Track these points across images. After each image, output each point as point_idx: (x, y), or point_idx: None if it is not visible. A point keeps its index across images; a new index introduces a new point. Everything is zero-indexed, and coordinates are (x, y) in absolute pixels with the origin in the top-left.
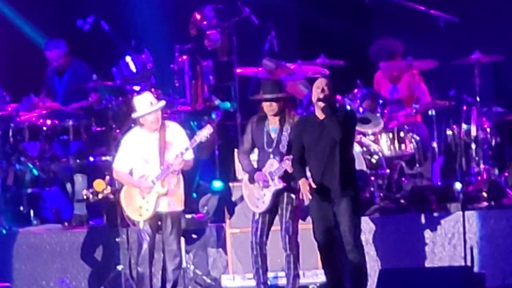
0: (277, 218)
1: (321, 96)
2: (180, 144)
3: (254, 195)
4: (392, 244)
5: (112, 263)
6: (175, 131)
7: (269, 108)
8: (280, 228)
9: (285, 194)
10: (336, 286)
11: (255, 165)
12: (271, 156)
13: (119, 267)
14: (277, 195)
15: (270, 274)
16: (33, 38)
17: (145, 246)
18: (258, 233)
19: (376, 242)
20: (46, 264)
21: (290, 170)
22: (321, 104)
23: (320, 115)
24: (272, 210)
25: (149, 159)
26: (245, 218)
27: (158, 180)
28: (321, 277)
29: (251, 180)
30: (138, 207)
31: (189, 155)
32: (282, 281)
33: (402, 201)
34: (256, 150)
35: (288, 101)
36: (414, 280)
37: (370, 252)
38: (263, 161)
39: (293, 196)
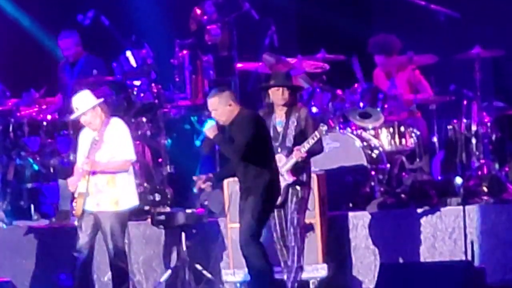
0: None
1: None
2: (113, 143)
3: None
4: (393, 239)
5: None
6: (112, 129)
7: (280, 96)
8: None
9: (290, 186)
10: None
11: None
12: (278, 150)
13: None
14: (287, 189)
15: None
16: (33, 34)
17: (78, 243)
18: (278, 227)
19: (377, 237)
20: (46, 259)
21: (300, 160)
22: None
23: None
24: (286, 204)
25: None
26: None
27: (78, 180)
28: (322, 272)
29: None
30: (72, 205)
31: (123, 156)
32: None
33: (402, 195)
34: None
35: (292, 94)
36: (414, 275)
37: (370, 246)
38: None
39: (298, 188)
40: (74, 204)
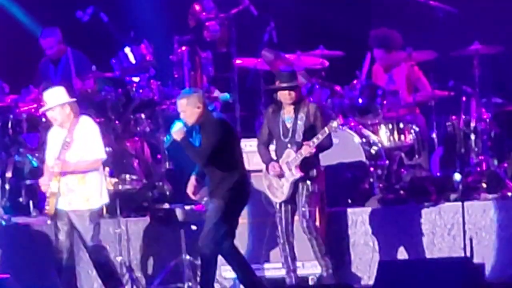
0: None
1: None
2: (82, 142)
3: (274, 186)
4: (392, 235)
5: (111, 254)
6: (82, 128)
7: (287, 97)
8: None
9: (300, 181)
10: None
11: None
12: (288, 146)
13: (118, 258)
14: (296, 184)
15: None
16: (32, 30)
17: (56, 243)
18: (283, 222)
19: (376, 233)
20: (45, 255)
21: (308, 155)
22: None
23: None
24: (294, 199)
25: (55, 155)
26: (252, 208)
27: (50, 180)
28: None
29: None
30: (46, 205)
31: (94, 155)
32: (280, 272)
33: (401, 192)
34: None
35: (299, 90)
36: (414, 271)
37: (369, 243)
38: (280, 151)
39: (308, 182)
40: (46, 204)
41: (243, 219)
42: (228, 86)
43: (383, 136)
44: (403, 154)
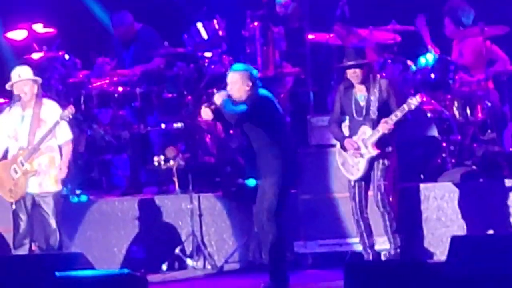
0: None
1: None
2: (53, 123)
3: (349, 163)
4: (464, 210)
5: (184, 229)
6: (50, 109)
7: (353, 75)
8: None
9: (375, 158)
10: None
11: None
12: (363, 123)
13: (190, 234)
14: (371, 161)
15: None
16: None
17: (21, 228)
18: (357, 197)
19: (448, 208)
20: (118, 231)
21: (387, 132)
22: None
23: None
24: (368, 175)
25: (19, 137)
26: (315, 184)
27: (26, 160)
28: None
29: (343, 148)
30: (8, 189)
31: (66, 136)
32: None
33: (473, 167)
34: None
35: (372, 67)
36: (486, 246)
37: (441, 218)
38: (354, 129)
39: (384, 158)
40: (12, 188)
41: (327, 194)
42: (301, 61)
43: (456, 111)
44: (475, 129)
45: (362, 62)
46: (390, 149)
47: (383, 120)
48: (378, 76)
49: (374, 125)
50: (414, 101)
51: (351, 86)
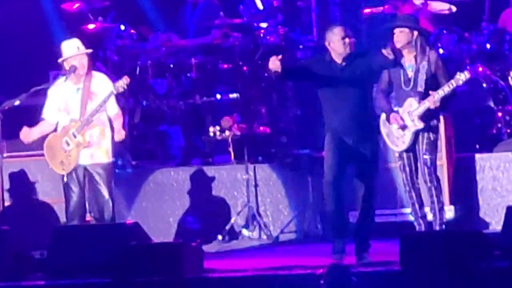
0: None
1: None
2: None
3: (394, 134)
4: None
5: (239, 199)
6: (101, 82)
7: (396, 39)
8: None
9: (422, 130)
10: None
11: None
12: (410, 95)
13: (245, 204)
14: (416, 134)
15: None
16: None
17: (73, 200)
18: (407, 168)
19: (503, 178)
20: (172, 202)
21: (433, 106)
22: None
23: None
24: (414, 147)
25: (70, 110)
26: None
27: (78, 132)
28: (449, 214)
29: (388, 120)
30: (60, 161)
31: (115, 109)
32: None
33: None
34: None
35: (420, 37)
36: None
37: (497, 188)
38: (401, 100)
39: (429, 131)
40: (63, 160)
41: (382, 164)
42: (355, 33)
43: (511, 82)
44: None
45: (411, 25)
46: (435, 122)
47: (431, 93)
48: (428, 48)
49: (421, 97)
50: (462, 77)
51: (400, 55)
